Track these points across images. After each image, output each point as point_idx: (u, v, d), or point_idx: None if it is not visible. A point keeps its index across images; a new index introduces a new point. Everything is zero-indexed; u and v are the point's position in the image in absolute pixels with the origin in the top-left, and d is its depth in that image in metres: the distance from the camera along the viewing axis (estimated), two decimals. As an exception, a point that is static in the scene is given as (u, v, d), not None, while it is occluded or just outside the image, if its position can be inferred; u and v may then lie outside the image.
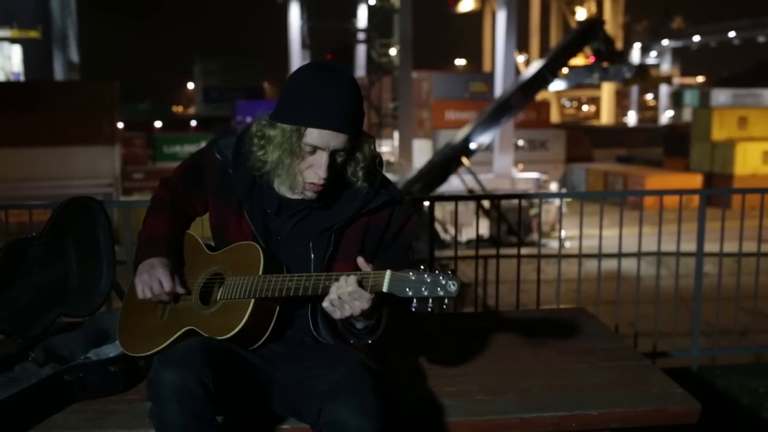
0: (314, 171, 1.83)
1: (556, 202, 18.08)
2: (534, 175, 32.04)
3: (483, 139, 21.78)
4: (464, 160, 21.63)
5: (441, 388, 2.20)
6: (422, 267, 1.67)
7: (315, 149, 1.82)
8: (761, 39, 54.24)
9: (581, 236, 4.35)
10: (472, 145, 21.67)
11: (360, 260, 1.76)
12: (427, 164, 22.10)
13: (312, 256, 1.92)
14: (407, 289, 1.65)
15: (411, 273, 1.66)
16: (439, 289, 1.63)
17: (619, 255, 4.43)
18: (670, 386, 2.21)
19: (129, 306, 2.15)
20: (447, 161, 21.47)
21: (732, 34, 56.02)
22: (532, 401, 2.12)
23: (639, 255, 4.55)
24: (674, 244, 4.48)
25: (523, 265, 4.49)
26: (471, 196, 4.35)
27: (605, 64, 24.17)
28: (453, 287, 1.63)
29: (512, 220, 18.50)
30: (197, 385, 1.68)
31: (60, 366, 2.14)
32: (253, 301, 1.86)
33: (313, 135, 1.80)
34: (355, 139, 1.86)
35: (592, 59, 24.27)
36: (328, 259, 1.91)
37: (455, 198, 4.43)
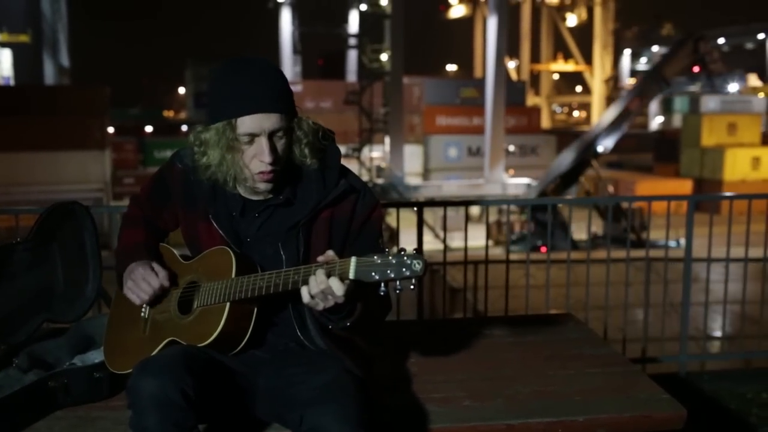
0: (258, 159, 1.83)
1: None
2: (524, 180, 32.12)
3: (608, 143, 23.36)
4: (594, 162, 23.42)
5: (427, 394, 2.19)
6: (387, 250, 1.67)
7: (252, 137, 1.82)
8: (750, 46, 54.62)
9: (569, 240, 4.35)
10: (599, 149, 23.29)
11: (319, 258, 1.74)
12: (557, 165, 23.78)
13: (283, 256, 1.91)
14: (373, 273, 1.64)
15: (376, 257, 1.65)
16: (404, 269, 1.62)
17: (608, 261, 4.43)
18: (657, 392, 2.21)
19: (113, 324, 2.15)
20: (579, 163, 23.05)
21: (721, 40, 56.39)
22: (519, 407, 2.12)
23: (627, 260, 4.56)
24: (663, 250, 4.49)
25: (514, 270, 4.49)
26: (460, 201, 4.40)
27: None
28: (418, 266, 1.62)
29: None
30: (177, 394, 1.67)
31: (44, 372, 2.12)
32: (228, 304, 1.85)
33: (245, 123, 1.81)
34: (289, 118, 1.86)
35: (696, 69, 25.31)
36: (303, 258, 1.90)
37: (444, 204, 4.42)
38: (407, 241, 4.18)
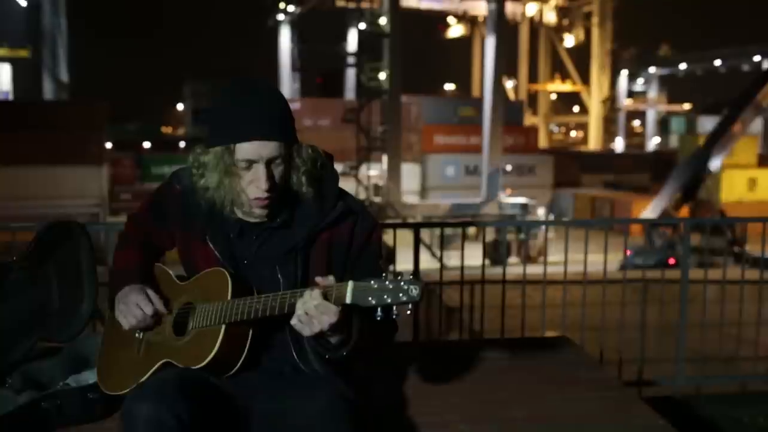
0: (255, 186, 1.84)
1: (543, 227, 18.24)
2: (522, 199, 32.16)
3: (716, 162, 25.82)
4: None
5: (422, 418, 2.18)
6: (384, 274, 1.67)
7: (250, 163, 1.82)
8: (746, 68, 54.92)
9: (566, 262, 4.35)
10: (711, 168, 25.72)
11: (318, 279, 1.74)
12: (670, 185, 25.84)
13: (281, 279, 1.91)
14: (370, 298, 1.64)
15: (373, 281, 1.65)
16: (401, 294, 1.62)
17: (604, 281, 4.43)
18: (652, 417, 2.21)
19: (107, 344, 2.13)
20: (695, 181, 25.36)
21: (718, 62, 56.75)
22: (514, 432, 2.11)
23: (624, 282, 4.56)
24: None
25: (510, 290, 4.48)
26: (456, 222, 4.42)
27: None
28: (415, 291, 1.62)
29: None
30: (171, 418, 1.66)
31: (38, 393, 2.11)
32: (223, 326, 1.85)
33: (243, 149, 1.81)
34: (288, 145, 1.86)
35: None
36: (301, 282, 1.89)
37: (441, 225, 4.43)
38: (404, 260, 4.19)
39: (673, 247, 18.06)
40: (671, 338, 4.66)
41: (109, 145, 29.82)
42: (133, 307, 1.95)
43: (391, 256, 4.35)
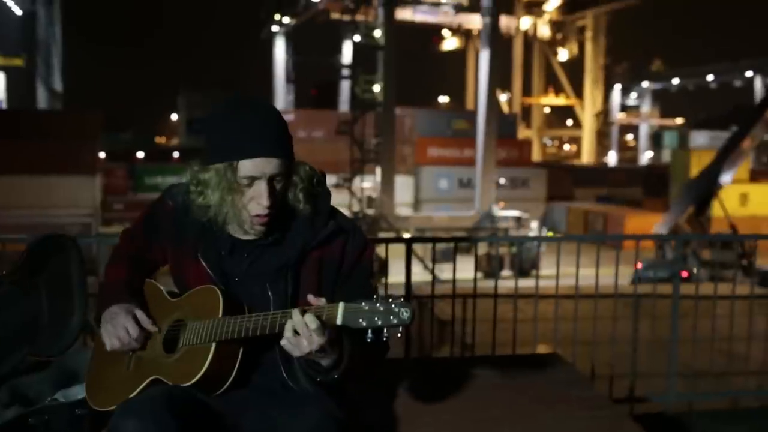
0: (257, 202, 1.84)
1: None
2: (515, 212, 32.24)
3: (727, 178, 25.93)
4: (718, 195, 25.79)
5: (413, 436, 2.17)
6: (375, 296, 1.66)
7: (252, 180, 1.83)
8: (738, 83, 55.34)
9: (558, 276, 4.36)
10: (721, 182, 25.84)
11: (311, 297, 1.74)
12: (681, 200, 26.03)
13: (271, 296, 1.90)
14: (361, 320, 1.64)
15: (364, 303, 1.65)
16: (392, 317, 1.62)
17: (596, 296, 4.43)
18: (643, 436, 2.20)
19: (97, 360, 2.11)
20: (707, 196, 25.37)
21: (710, 77, 57.20)
22: (505, 450, 2.10)
23: (615, 296, 4.56)
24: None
25: (506, 305, 4.49)
26: (449, 238, 4.45)
27: None
28: (406, 314, 1.62)
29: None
30: None
31: (25, 408, 2.09)
32: (214, 344, 1.84)
33: (246, 166, 1.81)
34: (289, 162, 1.87)
35: None
36: (291, 300, 1.89)
37: (433, 240, 4.43)
38: (397, 273, 4.19)
39: (685, 260, 18.13)
40: (663, 353, 4.67)
41: (102, 154, 29.77)
42: (121, 330, 1.93)
43: (383, 268, 4.35)
